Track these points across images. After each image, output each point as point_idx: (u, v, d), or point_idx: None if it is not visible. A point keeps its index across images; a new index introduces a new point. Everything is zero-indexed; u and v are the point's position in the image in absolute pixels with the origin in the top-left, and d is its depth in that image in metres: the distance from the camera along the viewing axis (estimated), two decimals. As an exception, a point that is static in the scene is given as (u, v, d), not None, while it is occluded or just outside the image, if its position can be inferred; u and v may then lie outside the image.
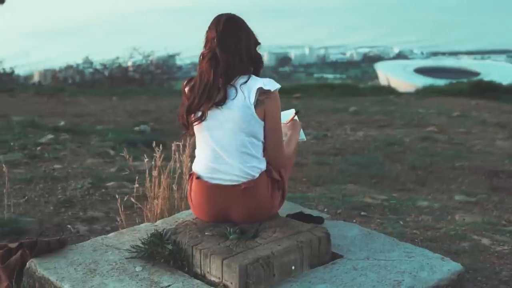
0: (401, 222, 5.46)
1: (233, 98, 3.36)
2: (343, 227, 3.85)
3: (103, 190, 5.93)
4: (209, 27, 3.45)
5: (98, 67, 27.22)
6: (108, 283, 3.18)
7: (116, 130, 9.81)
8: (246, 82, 3.38)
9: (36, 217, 5.16)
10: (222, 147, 3.41)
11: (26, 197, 5.67)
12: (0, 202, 5.18)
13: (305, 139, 3.94)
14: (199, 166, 3.50)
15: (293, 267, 3.25)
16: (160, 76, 27.17)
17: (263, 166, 3.47)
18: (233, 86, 3.37)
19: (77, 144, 8.02)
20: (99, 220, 5.22)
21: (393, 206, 6.00)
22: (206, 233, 3.39)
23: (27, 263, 3.43)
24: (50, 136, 8.24)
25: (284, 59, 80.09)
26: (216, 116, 3.39)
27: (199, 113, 3.41)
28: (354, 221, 5.42)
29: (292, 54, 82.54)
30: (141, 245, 3.42)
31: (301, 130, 3.90)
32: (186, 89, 3.48)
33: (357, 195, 6.44)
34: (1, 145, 7.71)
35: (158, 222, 3.97)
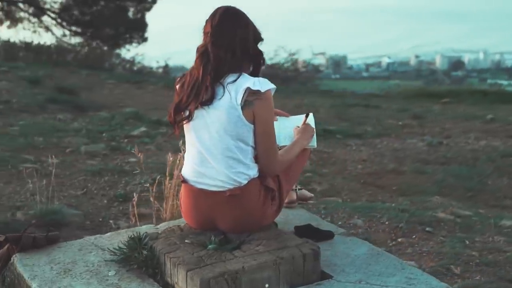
0: (467, 242, 5.00)
1: (220, 98, 3.14)
2: (352, 244, 3.52)
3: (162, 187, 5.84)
4: (206, 20, 3.24)
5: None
6: (75, 286, 3.06)
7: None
8: (235, 81, 3.14)
9: (84, 210, 5.16)
10: (208, 150, 3.20)
11: (85, 189, 5.70)
12: (51, 192, 5.21)
13: (315, 146, 3.63)
14: (186, 169, 3.31)
15: (266, 285, 2.98)
16: (304, 75, 27.01)
17: (252, 172, 3.22)
18: (221, 84, 3.14)
19: (166, 138, 8.01)
20: (146, 217, 5.13)
21: (468, 223, 5.52)
22: (186, 241, 3.20)
23: (12, 258, 3.37)
24: (144, 129, 8.29)
25: (456, 63, 78.00)
26: (202, 116, 3.18)
27: (187, 112, 3.21)
28: (414, 236, 5.04)
29: (466, 58, 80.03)
30: (120, 248, 3.27)
31: (314, 137, 3.60)
32: (177, 86, 3.29)
33: (435, 209, 5.99)
34: (93, 136, 7.85)
35: (161, 224, 3.81)
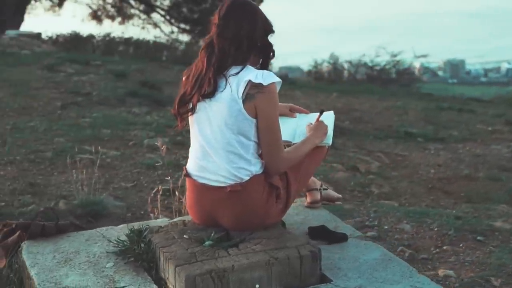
0: (517, 253, 4.71)
1: (222, 91, 3.06)
2: (364, 249, 3.36)
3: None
4: (215, 12, 3.18)
5: (344, 64, 27.13)
6: (70, 276, 3.06)
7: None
8: (237, 73, 3.06)
9: (129, 202, 5.18)
10: (209, 144, 3.13)
11: (136, 182, 5.73)
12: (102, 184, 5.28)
13: (330, 144, 3.49)
14: (189, 163, 3.25)
15: (257, 286, 2.88)
16: (406, 77, 26.46)
17: (254, 169, 3.12)
18: (224, 77, 3.07)
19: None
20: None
21: (526, 235, 5.20)
22: (184, 236, 3.14)
23: (21, 245, 3.41)
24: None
25: None
26: (205, 109, 3.11)
27: (190, 105, 3.15)
28: (461, 245, 4.79)
29: None
30: (121, 240, 3.25)
31: (329, 134, 3.46)
32: (184, 78, 3.23)
33: (496, 218, 5.68)
34: (161, 130, 7.90)
35: (177, 218, 3.77)
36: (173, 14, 25.79)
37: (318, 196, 3.82)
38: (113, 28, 25.28)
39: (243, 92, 3.02)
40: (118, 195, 5.33)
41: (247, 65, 3.09)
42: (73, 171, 4.98)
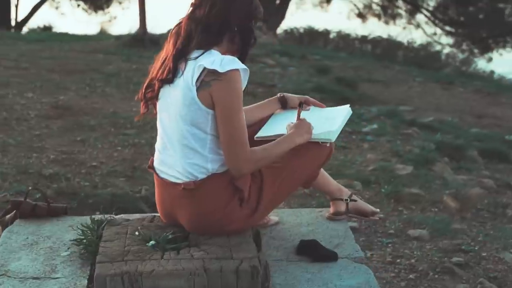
0: None
1: (180, 76, 2.77)
2: (348, 272, 2.86)
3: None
4: None
5: None
6: (21, 259, 2.94)
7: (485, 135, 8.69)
8: (197, 57, 2.74)
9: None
10: (167, 135, 2.85)
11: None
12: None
13: (332, 140, 3.01)
14: (154, 155, 2.98)
15: (175, 296, 2.56)
16: None
17: (212, 166, 2.78)
18: (185, 61, 2.77)
19: (380, 141, 7.41)
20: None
21: None
22: (136, 233, 2.89)
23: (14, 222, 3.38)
24: (375, 126, 7.80)
25: None
26: (165, 96, 2.84)
27: (154, 90, 2.89)
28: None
29: None
30: (84, 229, 3.07)
31: (333, 130, 3.00)
32: (154, 62, 2.97)
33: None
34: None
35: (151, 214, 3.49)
36: (439, 15, 25.05)
37: (343, 208, 3.34)
38: (376, 27, 25.01)
39: (198, 79, 2.69)
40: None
41: (211, 50, 2.75)
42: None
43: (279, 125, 3.05)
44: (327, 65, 12.89)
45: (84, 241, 2.93)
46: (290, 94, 3.27)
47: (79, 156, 5.74)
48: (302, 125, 2.92)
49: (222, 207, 2.78)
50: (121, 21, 25.64)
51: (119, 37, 14.21)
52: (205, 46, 2.75)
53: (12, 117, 6.88)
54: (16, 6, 23.49)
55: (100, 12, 26.09)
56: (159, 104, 2.86)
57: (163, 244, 2.76)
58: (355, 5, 25.16)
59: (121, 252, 2.70)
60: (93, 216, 3.12)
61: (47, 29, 23.56)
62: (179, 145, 2.79)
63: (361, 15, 25.29)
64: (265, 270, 2.65)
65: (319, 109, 3.22)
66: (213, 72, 2.66)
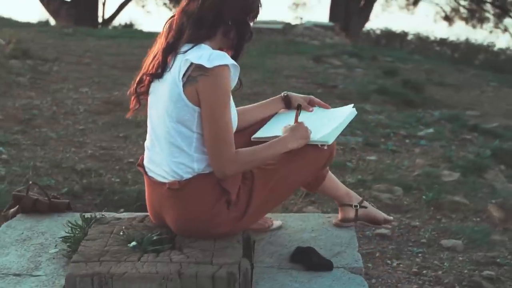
0: None
1: (169, 71, 2.66)
2: (340, 283, 2.68)
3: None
4: None
5: None
6: (8, 255, 2.92)
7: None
8: (186, 51, 2.63)
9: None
10: (155, 132, 2.75)
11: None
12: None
13: (329, 143, 2.83)
14: (144, 152, 2.87)
15: (146, 301, 2.45)
16: None
17: (198, 166, 2.66)
18: (175, 55, 2.66)
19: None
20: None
21: None
22: (120, 233, 2.78)
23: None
24: (431, 130, 7.51)
25: None
26: (155, 91, 2.74)
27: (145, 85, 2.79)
28: None
29: None
30: (73, 226, 3.00)
31: (328, 132, 2.83)
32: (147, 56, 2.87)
33: None
34: (371, 130, 7.38)
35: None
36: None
37: (352, 214, 3.16)
38: (462, 30, 24.43)
39: (185, 74, 2.58)
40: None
41: (201, 44, 2.63)
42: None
43: (280, 126, 2.89)
44: (397, 67, 12.54)
45: (70, 239, 2.85)
46: (294, 93, 3.12)
47: (118, 152, 5.70)
48: (298, 129, 2.76)
49: (209, 209, 2.65)
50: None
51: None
52: (196, 40, 2.64)
53: (60, 112, 6.92)
54: (103, 4, 23.93)
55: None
56: (149, 100, 2.76)
57: (145, 245, 2.65)
58: (441, 8, 24.68)
59: (99, 252, 2.61)
60: (83, 214, 3.03)
61: (127, 26, 23.89)
62: (165, 142, 2.68)
63: (447, 18, 24.77)
64: (244, 277, 2.50)
65: (323, 110, 3.06)
66: (200, 67, 2.54)
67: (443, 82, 12.24)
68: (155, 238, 2.70)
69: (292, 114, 3.03)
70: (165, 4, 25.39)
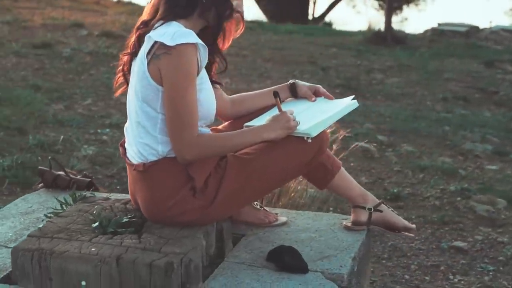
0: None
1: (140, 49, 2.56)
2: (311, 287, 2.44)
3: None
4: None
5: None
6: (6, 223, 2.98)
7: None
8: (155, 29, 2.51)
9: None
10: (129, 112, 2.66)
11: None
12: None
13: (312, 135, 2.55)
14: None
15: (83, 283, 2.36)
16: None
17: (162, 149, 2.53)
18: (148, 32, 2.56)
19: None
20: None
21: None
22: (94, 212, 2.70)
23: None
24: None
25: None
26: (132, 69, 2.64)
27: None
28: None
29: None
30: (63, 202, 2.97)
31: (313, 124, 2.58)
32: None
33: None
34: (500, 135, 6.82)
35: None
36: None
37: (364, 217, 2.86)
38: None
39: (150, 51, 2.46)
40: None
41: (172, 21, 2.50)
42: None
43: None
44: None
45: (46, 215, 2.83)
46: (301, 82, 2.88)
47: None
48: (278, 119, 2.54)
49: (172, 195, 2.51)
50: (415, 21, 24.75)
51: (366, 33, 13.91)
52: (168, 17, 2.51)
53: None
54: (314, 3, 24.13)
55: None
56: (130, 78, 2.66)
57: (107, 227, 2.55)
58: None
59: (59, 229, 2.55)
60: (77, 192, 2.99)
61: (327, 25, 23.88)
62: (134, 122, 2.58)
63: None
64: (186, 269, 2.32)
65: (326, 101, 2.81)
66: (164, 45, 2.40)
67: None
68: (124, 221, 2.60)
69: (298, 103, 2.81)
70: (380, 5, 24.76)
